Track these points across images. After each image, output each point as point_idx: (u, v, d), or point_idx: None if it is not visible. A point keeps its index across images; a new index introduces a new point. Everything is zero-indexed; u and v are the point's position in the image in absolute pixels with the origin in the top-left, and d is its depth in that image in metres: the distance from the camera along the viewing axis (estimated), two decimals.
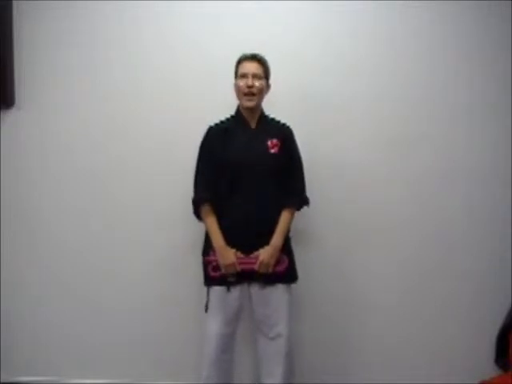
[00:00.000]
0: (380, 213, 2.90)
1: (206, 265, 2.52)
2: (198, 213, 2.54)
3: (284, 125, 2.60)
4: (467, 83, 2.88)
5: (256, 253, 2.47)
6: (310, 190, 2.61)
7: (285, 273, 2.50)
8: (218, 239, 2.47)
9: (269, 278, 2.48)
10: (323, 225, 2.88)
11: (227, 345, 2.53)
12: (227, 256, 2.45)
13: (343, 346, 2.95)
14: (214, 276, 2.48)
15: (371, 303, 2.93)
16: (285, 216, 2.51)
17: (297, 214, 2.60)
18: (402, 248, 2.91)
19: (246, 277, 2.48)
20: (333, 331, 2.94)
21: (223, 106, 2.63)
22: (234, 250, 2.46)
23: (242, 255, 2.47)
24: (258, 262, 2.45)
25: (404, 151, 2.89)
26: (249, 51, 2.52)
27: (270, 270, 2.47)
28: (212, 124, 2.57)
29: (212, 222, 2.49)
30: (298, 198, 2.57)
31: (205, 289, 2.54)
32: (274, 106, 2.63)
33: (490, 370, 2.85)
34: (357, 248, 2.92)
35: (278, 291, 2.51)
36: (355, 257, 2.92)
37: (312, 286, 2.86)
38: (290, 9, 2.85)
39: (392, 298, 2.92)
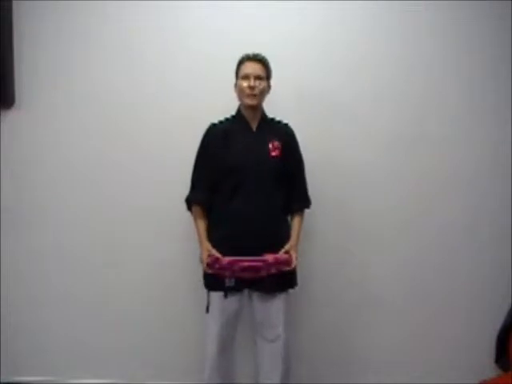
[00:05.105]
0: (380, 213, 2.90)
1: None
2: (191, 210, 2.57)
3: (286, 125, 2.59)
4: (467, 83, 2.88)
5: (280, 255, 2.45)
6: (310, 190, 2.61)
7: (288, 277, 2.50)
8: (202, 239, 2.50)
9: (270, 287, 2.46)
10: (323, 225, 2.88)
11: (227, 346, 2.52)
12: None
13: (341, 347, 2.95)
14: (211, 279, 2.46)
15: (370, 304, 2.93)
16: (297, 221, 2.56)
17: None
18: (402, 248, 2.92)
19: (245, 283, 2.45)
20: (331, 332, 2.94)
21: (223, 106, 2.62)
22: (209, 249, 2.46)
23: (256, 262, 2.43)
24: (294, 259, 2.47)
25: (404, 151, 2.89)
26: (249, 51, 2.51)
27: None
28: (214, 121, 2.56)
29: (199, 225, 2.52)
30: (304, 201, 2.59)
31: (204, 290, 2.54)
32: (274, 106, 2.62)
33: (490, 370, 2.85)
34: (356, 249, 2.92)
35: (279, 296, 2.49)
36: (354, 257, 2.92)
37: (310, 288, 2.86)
38: (290, 9, 2.85)
39: (392, 298, 2.92)
